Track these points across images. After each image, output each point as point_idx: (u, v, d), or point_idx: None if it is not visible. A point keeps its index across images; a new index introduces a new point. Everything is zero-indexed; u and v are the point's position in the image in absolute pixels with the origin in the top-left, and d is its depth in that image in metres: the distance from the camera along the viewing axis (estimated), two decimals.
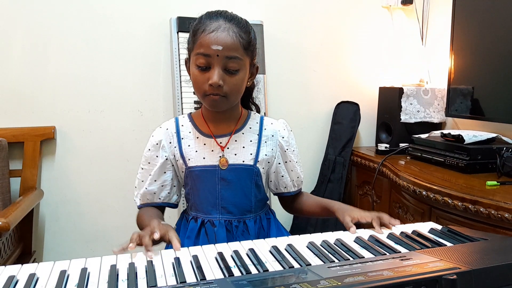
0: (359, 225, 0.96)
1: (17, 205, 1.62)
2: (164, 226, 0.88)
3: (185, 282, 0.67)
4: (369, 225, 0.95)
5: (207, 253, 0.79)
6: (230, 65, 0.95)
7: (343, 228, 0.96)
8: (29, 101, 1.90)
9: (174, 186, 1.11)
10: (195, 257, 0.76)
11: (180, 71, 1.94)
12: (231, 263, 0.74)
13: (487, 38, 1.77)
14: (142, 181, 1.09)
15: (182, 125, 1.09)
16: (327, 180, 2.25)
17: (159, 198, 1.08)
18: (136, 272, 0.71)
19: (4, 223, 1.40)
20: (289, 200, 1.20)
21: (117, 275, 0.70)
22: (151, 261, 0.75)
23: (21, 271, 0.71)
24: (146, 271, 0.71)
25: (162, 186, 1.08)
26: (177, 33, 1.94)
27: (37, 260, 1.93)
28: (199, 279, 0.68)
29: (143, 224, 1.00)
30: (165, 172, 1.08)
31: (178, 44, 1.94)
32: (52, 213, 1.99)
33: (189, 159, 1.05)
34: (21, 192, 1.85)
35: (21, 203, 1.66)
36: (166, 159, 1.07)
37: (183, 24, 1.92)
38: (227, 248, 0.82)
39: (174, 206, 1.14)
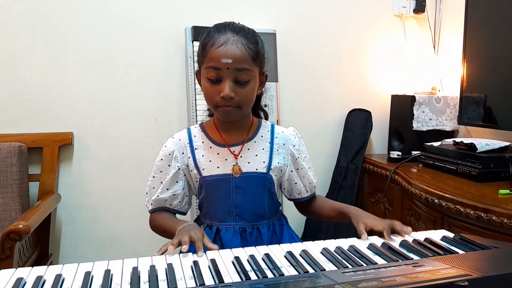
0: (372, 232, 0.97)
1: (36, 209, 1.67)
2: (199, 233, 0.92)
3: (204, 284, 0.69)
4: (382, 233, 0.96)
5: (224, 257, 0.82)
6: (241, 77, 0.98)
7: (355, 234, 0.98)
8: (48, 108, 1.96)
9: (186, 196, 1.13)
10: (213, 261, 0.79)
11: (194, 79, 1.98)
12: (247, 267, 0.77)
13: (499, 46, 1.78)
14: (153, 187, 1.11)
15: (195, 136, 1.11)
16: (339, 187, 2.27)
17: (170, 205, 1.11)
18: (157, 275, 0.73)
19: (25, 226, 1.45)
20: (304, 204, 1.22)
21: (139, 277, 0.73)
22: (171, 264, 0.77)
23: (48, 272, 0.75)
24: (166, 273, 0.74)
25: (174, 195, 1.10)
26: (192, 42, 1.99)
27: (53, 263, 1.97)
28: (217, 282, 0.70)
29: (166, 226, 1.05)
30: (177, 182, 1.10)
31: (193, 52, 1.98)
32: (69, 217, 2.04)
33: (203, 169, 1.07)
34: (39, 196, 1.90)
35: (39, 207, 1.71)
36: (179, 169, 1.09)
37: (198, 33, 1.96)
38: (243, 253, 0.84)
39: (183, 214, 1.16)
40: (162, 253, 0.86)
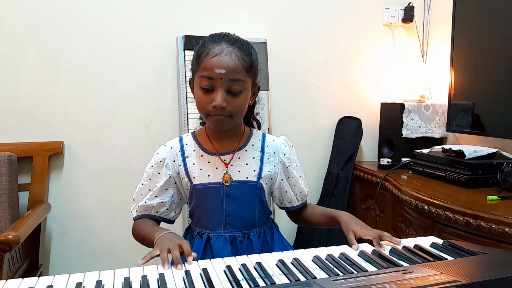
0: (362, 240, 0.98)
1: (26, 219, 1.65)
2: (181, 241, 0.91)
3: None
4: (371, 241, 0.97)
5: (216, 266, 0.82)
6: (233, 87, 0.99)
7: (347, 241, 0.98)
8: (38, 116, 1.95)
9: (174, 203, 1.13)
10: (205, 270, 0.79)
11: (186, 87, 1.99)
12: (239, 276, 0.77)
13: (486, 54, 1.81)
14: (141, 195, 1.11)
15: (186, 144, 1.12)
16: (330, 194, 2.28)
17: (157, 212, 1.11)
18: (149, 285, 0.73)
19: (15, 237, 1.43)
20: (295, 213, 1.23)
21: (131, 287, 0.72)
22: (163, 274, 0.78)
23: (38, 283, 0.74)
24: (158, 283, 0.74)
25: (162, 202, 1.10)
26: (184, 51, 2.00)
27: (43, 274, 1.95)
28: None
29: (145, 233, 1.04)
30: (166, 189, 1.10)
31: (185, 61, 1.99)
32: (59, 227, 2.02)
33: (194, 177, 1.08)
34: (29, 206, 1.88)
35: (29, 217, 1.69)
36: (170, 177, 1.10)
37: (190, 42, 1.98)
38: (235, 262, 0.85)
39: (171, 222, 1.16)
40: (146, 261, 0.85)
